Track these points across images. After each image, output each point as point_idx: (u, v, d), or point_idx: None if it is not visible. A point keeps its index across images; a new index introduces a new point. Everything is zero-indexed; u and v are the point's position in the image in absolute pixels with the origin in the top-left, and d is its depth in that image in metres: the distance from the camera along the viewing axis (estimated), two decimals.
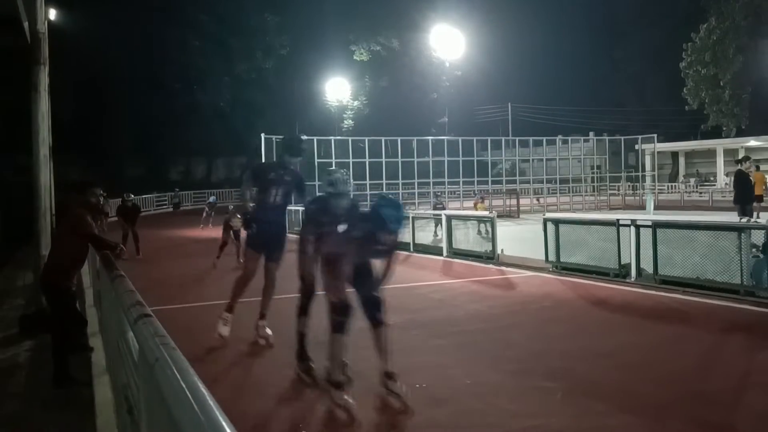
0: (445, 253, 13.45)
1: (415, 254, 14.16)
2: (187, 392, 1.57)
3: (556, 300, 8.50)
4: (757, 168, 24.10)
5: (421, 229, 15.10)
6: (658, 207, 24.30)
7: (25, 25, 8.16)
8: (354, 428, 4.25)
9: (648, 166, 37.49)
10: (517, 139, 33.99)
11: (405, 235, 15.06)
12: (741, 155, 40.96)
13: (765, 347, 6.10)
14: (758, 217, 12.79)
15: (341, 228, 4.83)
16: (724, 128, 43.08)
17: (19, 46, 8.67)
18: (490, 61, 54.89)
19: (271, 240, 6.50)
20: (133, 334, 2.60)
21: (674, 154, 48.09)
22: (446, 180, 30.40)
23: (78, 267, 5.97)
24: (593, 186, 33.99)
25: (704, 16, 41.43)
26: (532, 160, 35.93)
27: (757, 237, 7.95)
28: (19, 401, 5.20)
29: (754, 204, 20.57)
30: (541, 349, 6.06)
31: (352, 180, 5.52)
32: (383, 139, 28.97)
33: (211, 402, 1.49)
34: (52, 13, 21.39)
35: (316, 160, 27.51)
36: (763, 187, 22.32)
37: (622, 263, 9.49)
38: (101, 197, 9.91)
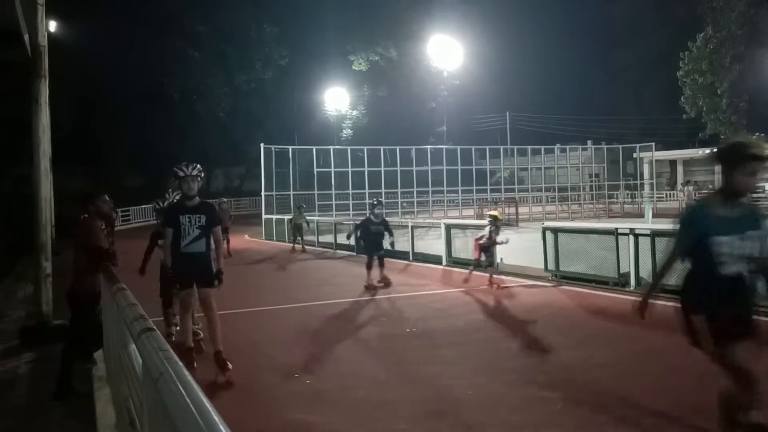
0: (444, 261, 13.46)
1: (414, 263, 14.17)
2: (192, 406, 1.59)
3: (555, 309, 8.50)
4: None
5: (420, 237, 15.11)
6: (656, 215, 24.31)
7: (26, 38, 8.20)
8: None
9: (646, 175, 37.57)
10: (515, 147, 34.12)
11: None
12: None
13: (765, 357, 6.09)
14: None
15: None
16: (722, 136, 43.20)
17: (19, 59, 8.71)
18: (488, 70, 55.04)
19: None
20: (137, 348, 2.61)
21: (672, 163, 48.19)
22: (445, 189, 30.50)
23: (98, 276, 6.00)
24: (591, 194, 34.04)
25: (701, 25, 41.67)
26: (531, 168, 36.04)
27: None
28: (20, 413, 5.20)
29: None
30: (542, 359, 6.07)
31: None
32: (382, 148, 29.10)
33: (215, 416, 1.51)
34: (52, 25, 21.50)
35: (315, 170, 27.61)
36: None
37: (622, 272, 9.51)
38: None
